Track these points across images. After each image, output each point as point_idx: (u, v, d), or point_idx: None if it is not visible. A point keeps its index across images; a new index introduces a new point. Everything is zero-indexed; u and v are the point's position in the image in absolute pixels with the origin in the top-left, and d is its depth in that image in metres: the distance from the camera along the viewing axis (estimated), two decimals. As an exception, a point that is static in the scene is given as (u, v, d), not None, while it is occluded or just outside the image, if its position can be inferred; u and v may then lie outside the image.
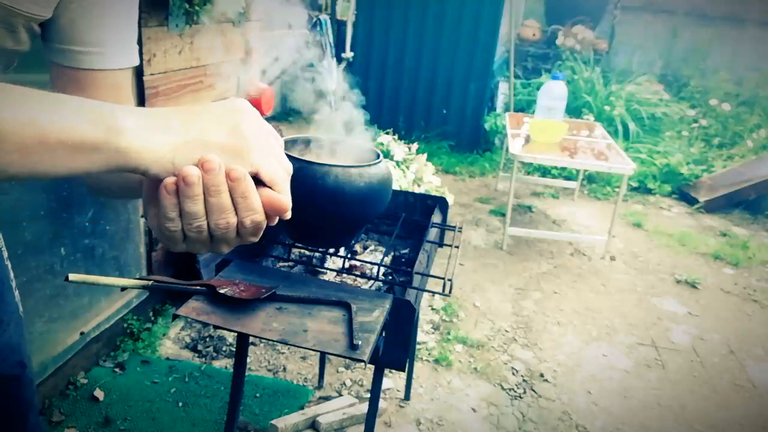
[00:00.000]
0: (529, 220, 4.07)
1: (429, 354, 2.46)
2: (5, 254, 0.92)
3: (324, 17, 4.81)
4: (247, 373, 1.93)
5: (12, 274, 0.93)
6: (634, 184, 4.84)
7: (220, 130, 0.54)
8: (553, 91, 3.59)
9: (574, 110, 5.47)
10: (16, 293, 0.94)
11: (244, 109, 0.56)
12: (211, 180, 0.52)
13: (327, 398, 2.14)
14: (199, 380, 2.15)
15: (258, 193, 0.55)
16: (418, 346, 2.43)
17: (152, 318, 2.45)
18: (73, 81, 0.74)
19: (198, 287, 1.13)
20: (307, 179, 1.23)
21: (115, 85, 0.76)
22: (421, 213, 1.81)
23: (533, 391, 2.31)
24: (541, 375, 2.41)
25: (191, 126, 0.53)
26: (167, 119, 0.53)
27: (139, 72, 2.04)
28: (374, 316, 1.13)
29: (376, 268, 1.41)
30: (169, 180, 0.52)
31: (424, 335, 2.59)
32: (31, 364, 0.96)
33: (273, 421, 1.92)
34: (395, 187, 2.99)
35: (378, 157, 1.35)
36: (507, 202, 3.50)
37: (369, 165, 1.29)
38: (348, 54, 5.55)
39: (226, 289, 1.13)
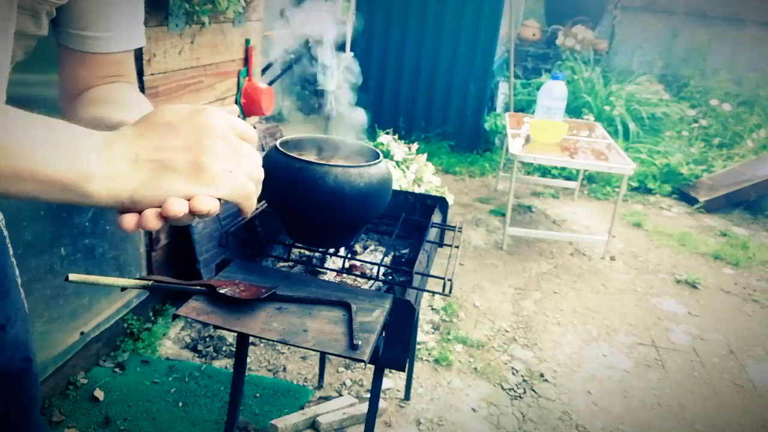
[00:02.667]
0: (529, 220, 4.07)
1: (429, 354, 2.46)
2: (11, 251, 0.93)
3: (324, 17, 4.81)
4: (247, 373, 1.93)
5: (17, 272, 0.94)
6: (634, 184, 4.84)
7: (185, 156, 0.54)
8: (553, 91, 3.59)
9: (574, 110, 5.47)
10: (21, 290, 0.94)
11: (210, 124, 0.55)
12: (147, 226, 0.54)
13: (327, 398, 2.14)
14: (199, 380, 2.15)
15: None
16: (418, 346, 2.43)
17: (152, 318, 2.45)
18: (81, 62, 0.77)
19: (198, 287, 1.13)
20: (307, 179, 1.23)
21: (119, 62, 0.80)
22: (421, 213, 1.81)
23: (533, 391, 2.31)
24: (541, 375, 2.41)
25: (156, 157, 0.53)
26: (134, 153, 0.53)
27: (139, 72, 2.04)
28: (374, 316, 1.13)
29: (376, 268, 1.41)
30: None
31: (424, 335, 2.59)
32: (36, 360, 0.97)
33: (273, 421, 1.92)
34: (395, 187, 2.99)
35: (378, 157, 1.35)
36: (507, 202, 3.50)
37: (369, 165, 1.29)
38: (348, 54, 5.55)
39: (226, 289, 1.13)
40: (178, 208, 0.52)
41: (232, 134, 0.56)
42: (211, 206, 0.54)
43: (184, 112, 0.55)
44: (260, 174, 0.58)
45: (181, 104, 0.56)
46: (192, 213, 0.53)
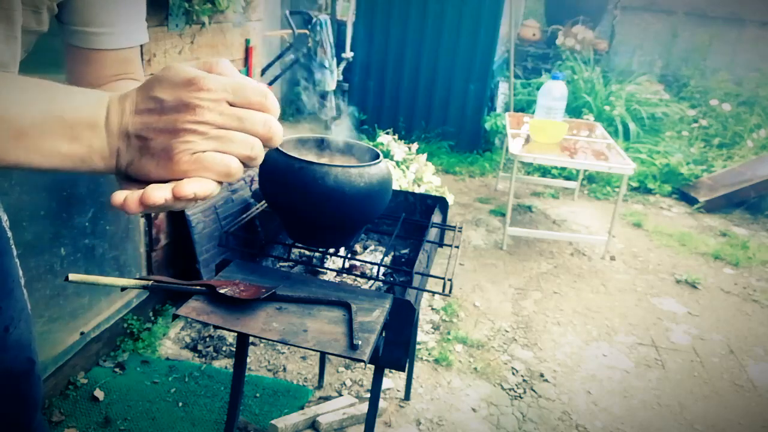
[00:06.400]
0: (529, 220, 4.07)
1: (429, 354, 2.46)
2: (15, 252, 0.93)
3: (324, 17, 4.81)
4: (247, 373, 1.93)
5: (21, 272, 0.94)
6: (634, 184, 4.84)
7: (161, 140, 0.51)
8: (553, 91, 3.59)
9: (574, 110, 5.47)
10: (25, 291, 0.95)
11: (193, 102, 0.50)
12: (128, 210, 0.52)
13: (327, 398, 2.14)
14: (199, 380, 2.15)
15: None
16: (418, 346, 2.43)
17: (152, 318, 2.45)
18: (86, 60, 0.78)
19: (198, 287, 1.13)
20: (307, 179, 1.22)
21: (124, 60, 0.80)
22: (421, 213, 1.81)
23: (533, 391, 2.31)
24: (541, 375, 2.41)
25: (141, 135, 0.51)
26: (126, 127, 0.52)
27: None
28: (374, 316, 1.13)
29: (376, 268, 1.41)
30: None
31: (424, 335, 2.59)
32: (39, 360, 0.97)
33: (273, 421, 1.93)
34: (395, 187, 2.99)
35: (378, 157, 1.35)
36: (507, 202, 3.50)
37: (369, 165, 1.28)
38: (348, 54, 5.55)
39: (226, 289, 1.13)
40: (156, 196, 0.49)
41: (220, 109, 0.51)
42: (196, 191, 0.50)
43: (176, 85, 0.51)
44: (251, 150, 0.52)
45: (181, 69, 0.51)
46: (177, 198, 0.50)
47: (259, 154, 0.53)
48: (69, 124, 0.51)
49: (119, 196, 0.51)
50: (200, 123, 0.50)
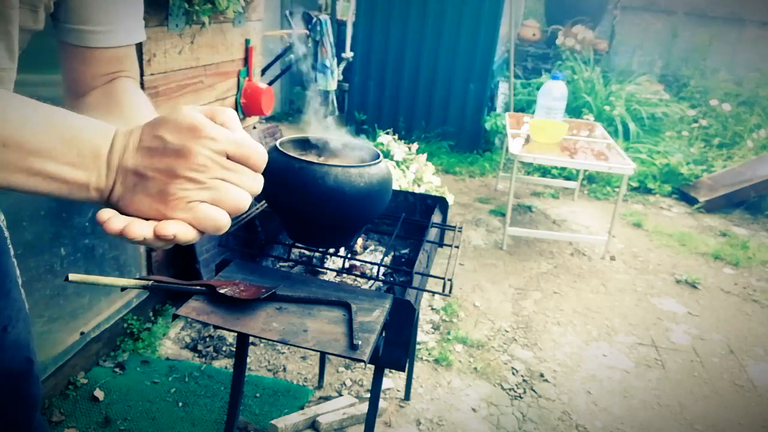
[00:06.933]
0: (529, 220, 4.07)
1: (429, 354, 2.46)
2: (12, 252, 0.93)
3: (324, 17, 4.81)
4: (247, 373, 1.93)
5: (18, 272, 0.94)
6: (634, 184, 4.84)
7: (159, 181, 0.52)
8: (553, 91, 3.59)
9: (574, 110, 5.47)
10: (23, 291, 0.95)
11: (194, 151, 0.52)
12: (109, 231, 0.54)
13: (327, 398, 2.14)
14: (199, 380, 2.15)
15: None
16: (418, 346, 2.43)
17: (152, 318, 2.45)
18: (82, 58, 0.78)
19: (198, 287, 1.13)
20: (307, 179, 1.22)
21: (120, 58, 0.80)
22: (421, 213, 1.81)
23: (533, 391, 2.31)
24: (541, 375, 2.41)
25: (140, 172, 0.53)
26: (126, 162, 0.53)
27: (139, 72, 2.04)
28: (374, 316, 1.13)
29: (376, 268, 1.41)
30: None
31: (424, 335, 2.59)
32: (37, 360, 0.97)
33: (273, 421, 1.93)
34: (395, 187, 2.99)
35: (378, 157, 1.35)
36: (507, 202, 3.50)
37: (369, 165, 1.28)
38: (348, 54, 5.55)
39: (226, 289, 1.13)
40: (137, 232, 0.52)
41: (219, 161, 0.53)
42: (177, 232, 0.52)
43: (181, 130, 0.52)
44: (241, 204, 0.55)
45: (188, 114, 0.52)
46: (157, 237, 0.52)
47: (247, 206, 0.56)
48: (76, 151, 0.52)
49: (106, 213, 0.53)
50: (198, 171, 0.52)
